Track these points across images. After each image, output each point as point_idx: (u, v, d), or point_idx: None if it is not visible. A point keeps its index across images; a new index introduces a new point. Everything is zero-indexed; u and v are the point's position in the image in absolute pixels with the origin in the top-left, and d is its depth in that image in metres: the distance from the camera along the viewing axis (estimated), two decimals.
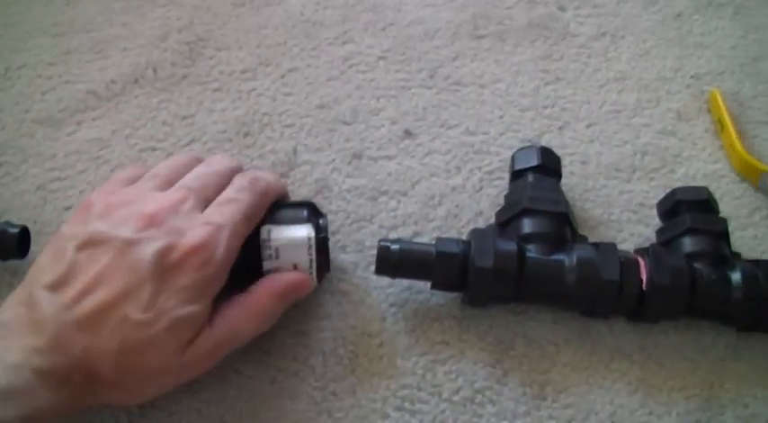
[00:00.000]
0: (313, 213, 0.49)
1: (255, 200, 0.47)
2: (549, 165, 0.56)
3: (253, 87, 0.64)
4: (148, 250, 0.41)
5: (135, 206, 0.44)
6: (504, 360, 0.52)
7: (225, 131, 0.61)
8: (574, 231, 0.54)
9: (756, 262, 0.53)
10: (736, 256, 0.54)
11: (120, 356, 0.40)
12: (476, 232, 0.52)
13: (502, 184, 0.59)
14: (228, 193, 0.47)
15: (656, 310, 0.51)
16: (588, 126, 0.64)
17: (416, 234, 0.56)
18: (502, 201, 0.57)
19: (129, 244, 0.42)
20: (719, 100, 0.65)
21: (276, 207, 0.49)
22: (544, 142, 0.62)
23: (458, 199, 0.58)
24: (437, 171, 0.60)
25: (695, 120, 0.65)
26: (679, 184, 0.60)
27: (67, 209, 0.58)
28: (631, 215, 0.59)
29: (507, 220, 0.53)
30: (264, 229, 0.48)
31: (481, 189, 0.59)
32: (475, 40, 0.69)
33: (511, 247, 0.50)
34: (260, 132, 0.61)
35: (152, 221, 0.43)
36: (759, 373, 0.52)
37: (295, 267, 0.48)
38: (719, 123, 0.65)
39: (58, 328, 0.40)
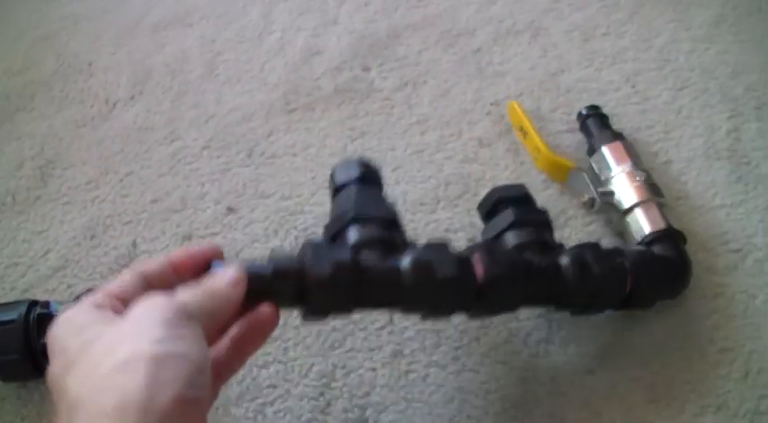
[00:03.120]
0: None
1: None
2: (370, 175, 0.57)
3: (96, 195, 0.72)
4: None
5: None
6: (326, 392, 0.58)
7: (74, 237, 0.69)
8: (403, 236, 0.54)
9: (580, 246, 0.56)
10: (561, 246, 0.57)
11: None
12: (307, 243, 0.50)
13: (316, 237, 0.66)
14: None
15: (494, 301, 0.52)
16: (394, 170, 0.71)
17: None
18: None
19: None
20: (517, 109, 0.71)
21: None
22: None
23: None
24: (257, 237, 0.67)
25: (496, 143, 0.73)
26: None
27: None
28: None
29: (337, 231, 0.53)
30: None
31: (298, 246, 0.66)
32: (287, 115, 0.77)
33: (345, 255, 0.49)
34: (104, 233, 0.69)
35: None
36: (572, 362, 0.58)
37: None
38: (521, 131, 0.71)
39: None
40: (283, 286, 0.48)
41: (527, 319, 0.60)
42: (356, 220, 0.52)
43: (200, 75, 0.82)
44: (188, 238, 0.68)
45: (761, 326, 0.59)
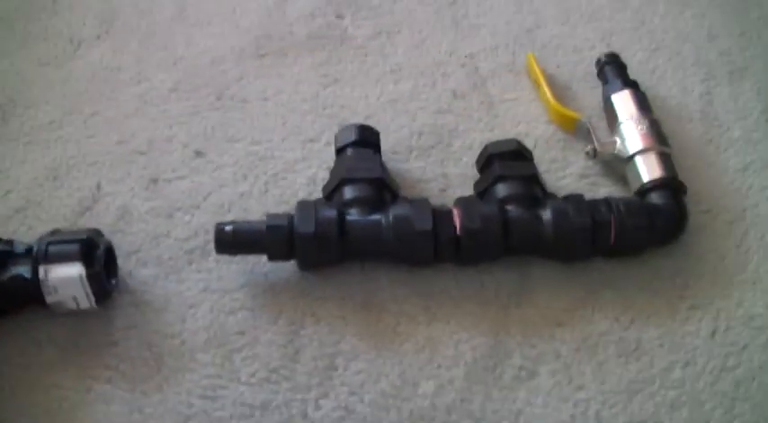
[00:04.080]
0: (87, 247, 0.55)
1: None
2: (366, 139, 0.63)
3: (59, 136, 0.70)
4: None
5: None
6: (295, 340, 0.57)
7: (36, 178, 0.67)
8: (394, 194, 0.60)
9: (564, 198, 0.59)
10: (551, 196, 0.60)
11: None
12: (300, 204, 0.58)
13: (286, 183, 0.65)
14: None
15: (472, 252, 0.58)
16: (366, 118, 0.70)
17: (207, 242, 0.62)
18: (287, 200, 0.64)
19: None
20: (533, 62, 0.72)
21: (50, 243, 0.55)
22: (324, 139, 0.68)
23: (246, 203, 0.64)
24: (226, 182, 0.66)
25: (470, 95, 0.72)
26: (455, 157, 0.66)
27: None
28: (410, 190, 0.65)
29: (331, 191, 0.60)
30: (41, 268, 0.53)
31: (266, 191, 0.65)
32: (258, 59, 0.76)
33: (331, 213, 0.57)
34: (67, 174, 0.67)
35: None
36: (543, 314, 0.59)
37: (74, 298, 0.54)
38: (536, 84, 0.72)
39: None
40: (275, 241, 0.56)
41: (499, 270, 0.60)
42: (345, 181, 0.59)
43: (169, 16, 0.80)
44: (154, 181, 0.66)
45: (729, 285, 0.60)
